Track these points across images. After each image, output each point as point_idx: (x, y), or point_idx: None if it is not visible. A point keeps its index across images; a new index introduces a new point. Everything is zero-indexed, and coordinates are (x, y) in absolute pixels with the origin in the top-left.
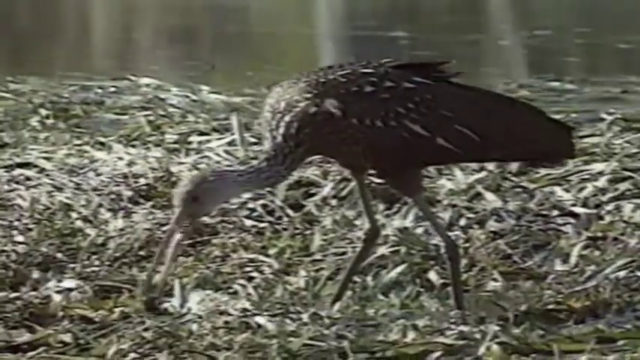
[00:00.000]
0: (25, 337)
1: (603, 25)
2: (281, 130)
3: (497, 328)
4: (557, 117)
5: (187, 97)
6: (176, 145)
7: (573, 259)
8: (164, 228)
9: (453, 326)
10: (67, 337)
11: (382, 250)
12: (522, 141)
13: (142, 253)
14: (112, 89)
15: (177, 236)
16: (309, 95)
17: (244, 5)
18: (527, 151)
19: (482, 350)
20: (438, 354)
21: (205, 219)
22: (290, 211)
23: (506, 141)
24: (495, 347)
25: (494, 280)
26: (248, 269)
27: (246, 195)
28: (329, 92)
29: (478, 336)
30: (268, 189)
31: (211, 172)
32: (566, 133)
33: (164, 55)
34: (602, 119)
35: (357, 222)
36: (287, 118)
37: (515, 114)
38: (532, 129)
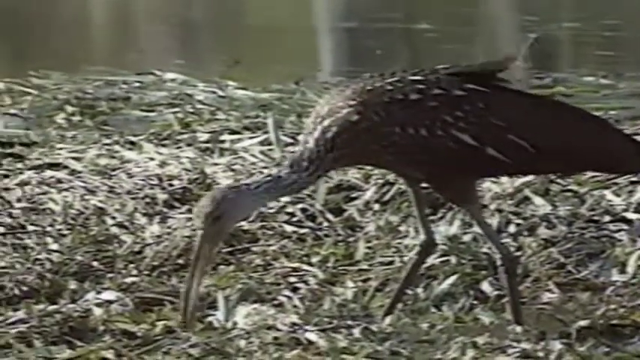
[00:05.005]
0: (66, 353)
1: (632, 18)
2: (315, 134)
3: (560, 345)
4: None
5: (214, 92)
6: (208, 145)
7: (630, 269)
8: None
9: (514, 343)
10: (110, 354)
11: (431, 259)
12: (581, 155)
13: (180, 261)
14: (137, 84)
15: (203, 258)
16: (352, 102)
17: None
18: (586, 165)
19: None
20: None
21: (244, 225)
22: (331, 216)
23: (563, 154)
24: None
25: (550, 291)
26: (292, 279)
27: (285, 199)
28: (373, 100)
29: (542, 354)
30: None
31: (229, 189)
32: (629, 148)
33: (183, 48)
34: None
35: (401, 228)
36: (326, 123)
37: (575, 125)
38: (593, 142)
